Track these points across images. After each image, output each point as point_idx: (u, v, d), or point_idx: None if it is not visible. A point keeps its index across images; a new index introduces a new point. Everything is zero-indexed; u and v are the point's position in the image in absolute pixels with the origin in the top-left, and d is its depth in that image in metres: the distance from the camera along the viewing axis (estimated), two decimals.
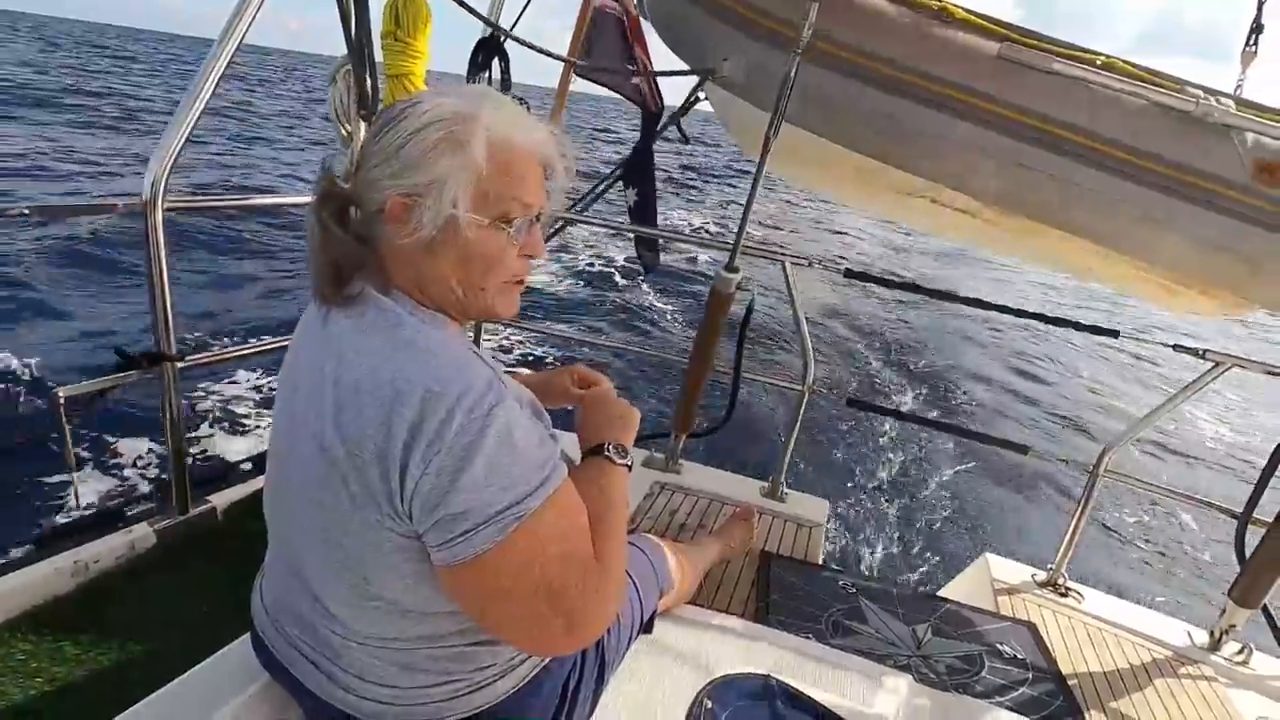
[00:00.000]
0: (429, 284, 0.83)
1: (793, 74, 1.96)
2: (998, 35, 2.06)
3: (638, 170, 3.05)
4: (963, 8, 2.11)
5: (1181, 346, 2.18)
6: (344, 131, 1.70)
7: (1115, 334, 2.37)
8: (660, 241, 3.51)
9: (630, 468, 0.96)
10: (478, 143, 0.78)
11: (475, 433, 0.71)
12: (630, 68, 2.85)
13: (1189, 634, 2.12)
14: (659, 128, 2.97)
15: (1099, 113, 1.99)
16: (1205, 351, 2.12)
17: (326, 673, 0.89)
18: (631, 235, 3.29)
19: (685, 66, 2.49)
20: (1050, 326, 2.40)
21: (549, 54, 2.36)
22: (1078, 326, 2.36)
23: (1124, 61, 2.02)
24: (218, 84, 1.64)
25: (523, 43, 2.11)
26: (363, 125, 1.71)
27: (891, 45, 2.12)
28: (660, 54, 2.92)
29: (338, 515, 0.77)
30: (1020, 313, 2.46)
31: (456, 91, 0.84)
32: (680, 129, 3.00)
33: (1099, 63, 2.01)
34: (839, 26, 2.12)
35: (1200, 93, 1.94)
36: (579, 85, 2.86)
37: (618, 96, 3.01)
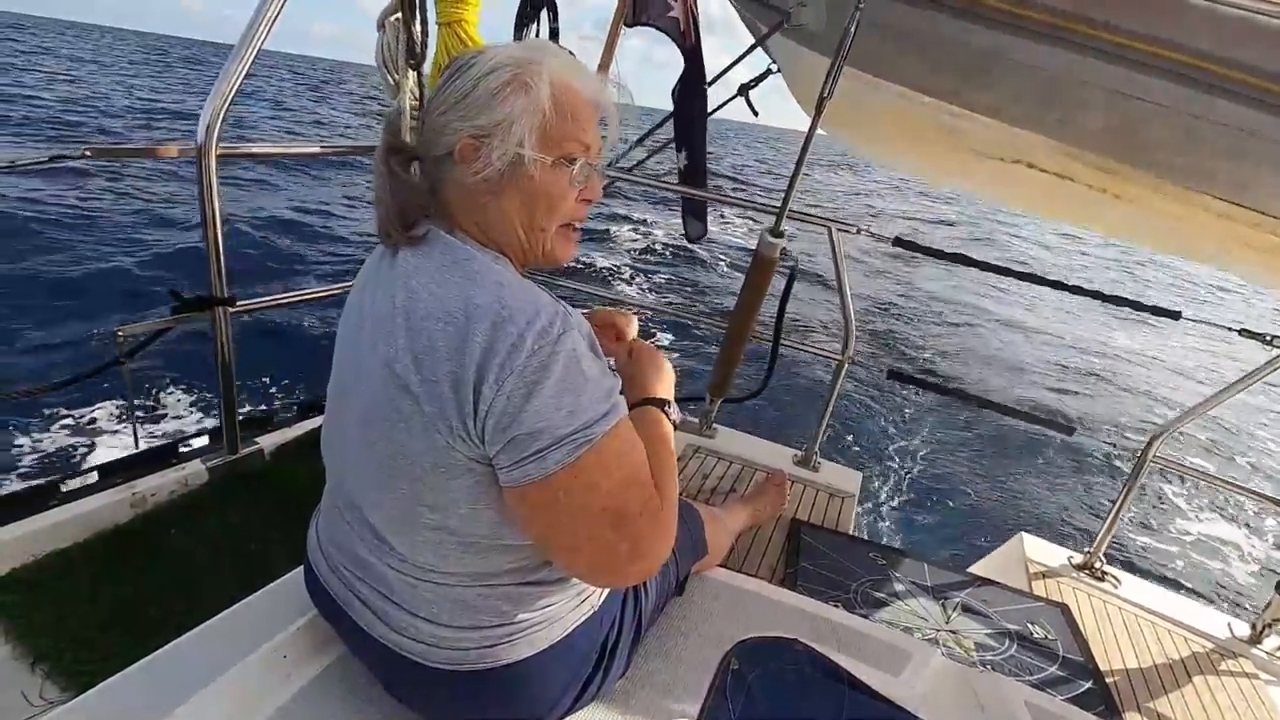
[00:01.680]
0: (492, 225, 0.86)
1: (856, 17, 1.76)
2: None
3: (687, 130, 2.94)
4: None
5: (1248, 331, 2.08)
6: (391, 80, 1.69)
7: (1177, 315, 2.26)
8: (708, 209, 3.43)
9: (676, 426, 0.98)
10: (543, 85, 0.82)
11: (546, 356, 0.74)
12: (672, 3, 2.72)
13: (1230, 626, 2.07)
14: (726, 100, 2.81)
15: (1228, 33, 1.69)
16: (1273, 338, 2.02)
17: (377, 611, 0.91)
18: (678, 202, 3.20)
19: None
20: (1107, 305, 2.28)
21: None
22: (1138, 306, 2.26)
23: None
24: (269, 32, 1.64)
25: None
26: (411, 74, 1.69)
27: None
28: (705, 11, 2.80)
29: (407, 441, 0.79)
30: (1078, 290, 2.36)
31: (516, 44, 0.88)
32: (749, 101, 2.86)
33: None
34: None
35: None
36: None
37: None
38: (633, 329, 1.15)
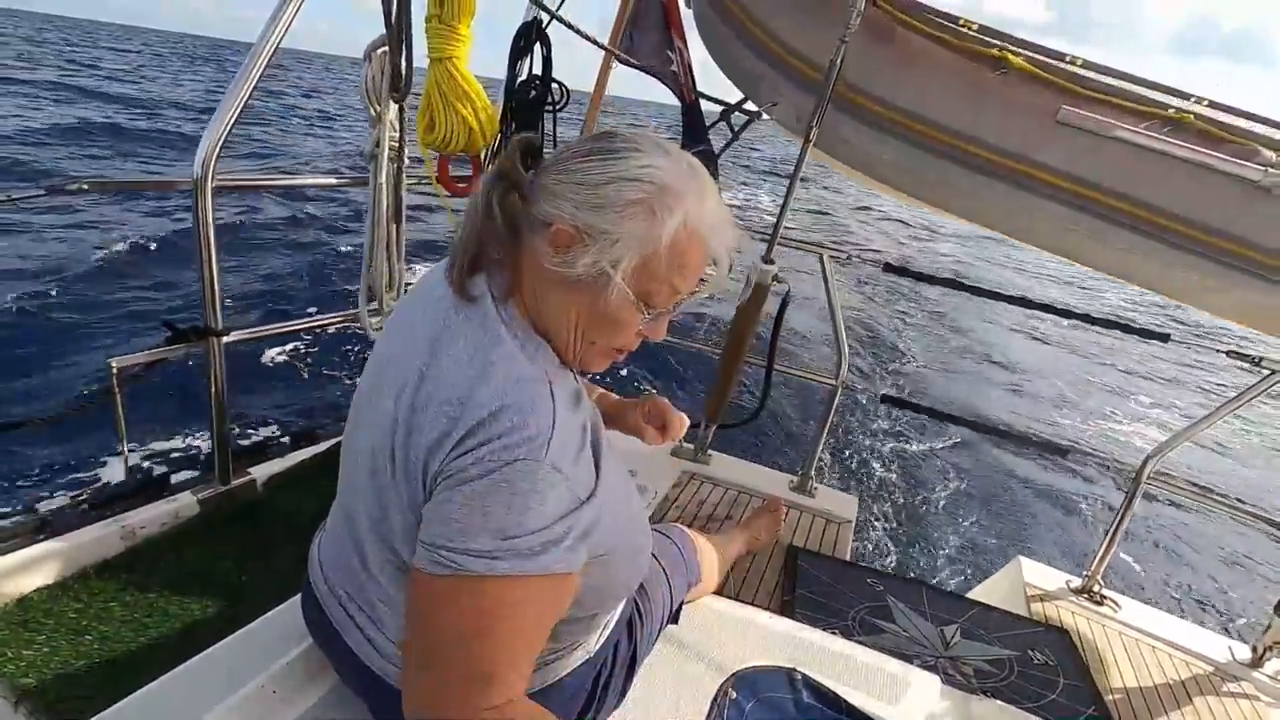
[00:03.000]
0: (548, 311, 0.82)
1: (822, 110, 1.94)
2: (1056, 88, 1.88)
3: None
4: (1023, 55, 1.91)
5: (1237, 353, 2.10)
6: (373, 111, 1.72)
7: (1166, 338, 2.29)
8: None
9: None
10: (671, 223, 0.77)
11: (485, 469, 0.71)
12: (670, 54, 2.81)
13: (1230, 649, 2.05)
14: (722, 149, 2.90)
15: (1163, 183, 1.84)
16: (1261, 360, 2.04)
17: (369, 637, 0.91)
18: None
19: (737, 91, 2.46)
20: (1097, 328, 2.31)
21: (592, 40, 2.34)
22: (1126, 329, 2.29)
23: (1196, 116, 1.82)
24: (266, 65, 1.66)
25: (569, 25, 2.10)
26: (392, 105, 1.72)
27: (941, 106, 1.99)
28: (702, 57, 2.87)
29: (388, 486, 0.80)
30: (1067, 313, 2.39)
31: (677, 157, 0.81)
32: (730, 125, 2.93)
33: (1170, 113, 1.82)
34: (886, 81, 2.02)
35: (1275, 157, 1.77)
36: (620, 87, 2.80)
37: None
38: (679, 429, 1.17)
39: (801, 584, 1.90)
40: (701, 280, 0.85)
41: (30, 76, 23.56)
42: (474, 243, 0.82)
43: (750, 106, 2.62)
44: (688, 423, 1.19)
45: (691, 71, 2.86)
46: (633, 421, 1.19)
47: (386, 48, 1.66)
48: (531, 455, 0.72)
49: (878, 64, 2.00)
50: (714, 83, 2.90)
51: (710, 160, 2.99)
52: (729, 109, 2.65)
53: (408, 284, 1.93)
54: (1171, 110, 1.81)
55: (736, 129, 2.71)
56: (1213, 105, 1.82)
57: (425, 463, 0.75)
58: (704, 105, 2.86)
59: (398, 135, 1.81)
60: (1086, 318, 2.38)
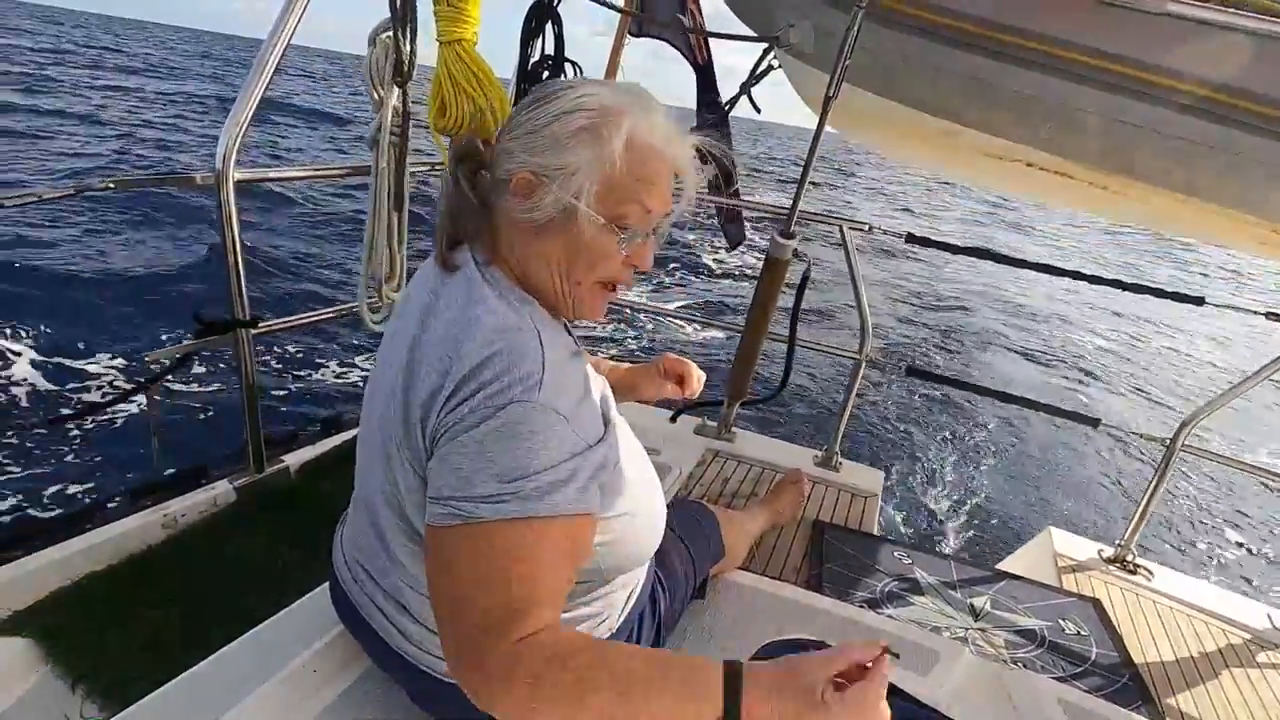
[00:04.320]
0: (531, 265, 0.85)
1: (855, 31, 1.83)
2: None
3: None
4: None
5: (1275, 314, 2.04)
6: (376, 96, 1.71)
7: (1200, 301, 2.22)
8: (743, 215, 3.44)
9: None
10: (618, 140, 0.78)
11: (479, 417, 0.72)
12: (682, 18, 2.77)
13: (1270, 616, 2.02)
14: (731, 100, 2.87)
15: (1219, 58, 1.73)
16: None
17: (395, 621, 0.93)
18: (713, 209, 3.24)
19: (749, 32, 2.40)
20: (1126, 293, 2.25)
21: (607, 4, 2.30)
22: (1159, 293, 2.22)
23: None
24: (282, 57, 1.67)
25: None
26: (395, 90, 1.72)
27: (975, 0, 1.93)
28: (711, 13, 2.84)
29: (398, 468, 0.82)
30: (1097, 279, 2.33)
31: (612, 86, 0.83)
32: (751, 99, 2.90)
33: None
34: None
35: None
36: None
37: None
38: (697, 385, 1.18)
39: (829, 558, 1.90)
40: (676, 196, 0.86)
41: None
42: (449, 220, 0.86)
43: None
44: (703, 376, 1.18)
45: (704, 29, 2.83)
46: (652, 382, 1.20)
47: (391, 31, 1.66)
48: (524, 396, 0.72)
49: None
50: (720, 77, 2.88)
51: (723, 121, 2.96)
52: (760, 43, 2.54)
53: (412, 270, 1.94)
54: None
55: (755, 66, 2.67)
56: None
57: (423, 421, 0.77)
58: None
59: (401, 121, 1.81)
60: (1117, 283, 2.32)
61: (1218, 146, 1.82)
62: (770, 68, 2.67)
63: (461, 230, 0.87)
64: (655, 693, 0.64)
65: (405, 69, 1.66)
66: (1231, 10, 1.71)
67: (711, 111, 2.94)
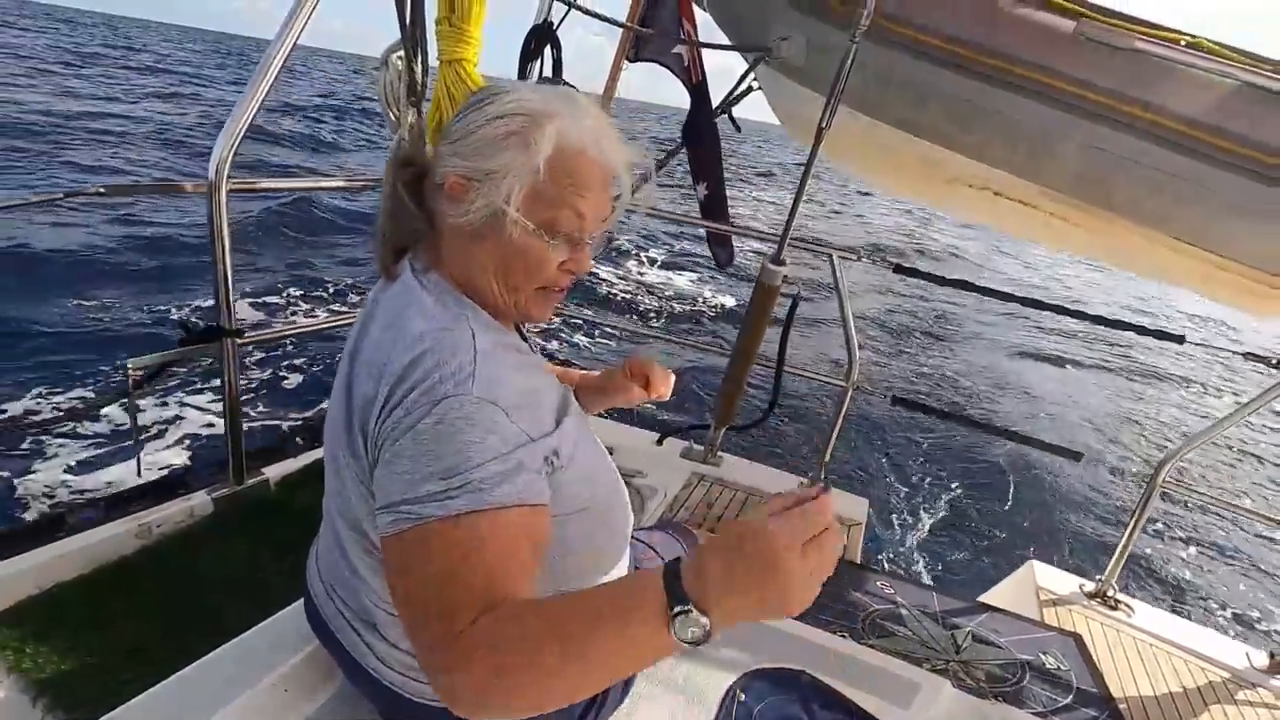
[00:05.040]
0: (472, 272, 0.85)
1: (852, 54, 1.88)
2: (1074, 13, 1.96)
3: (705, 163, 3.02)
4: None
5: (1254, 355, 2.07)
6: (393, 117, 1.73)
7: (1180, 339, 2.26)
8: (732, 237, 3.47)
9: (686, 643, 0.61)
10: (545, 145, 0.78)
11: (416, 416, 0.71)
12: (679, 38, 2.82)
13: (1247, 655, 2.03)
14: (714, 113, 2.93)
15: (1185, 94, 1.87)
16: (1279, 361, 2.01)
17: (366, 640, 0.91)
18: (703, 231, 3.29)
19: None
20: (1110, 330, 2.29)
21: (609, 20, 2.33)
22: (1141, 330, 2.26)
23: (1210, 41, 1.90)
24: (279, 71, 1.68)
25: (586, 11, 2.08)
26: (411, 111, 1.73)
27: (964, 24, 2.04)
28: (703, 22, 2.90)
29: (350, 482, 0.82)
30: (1080, 314, 2.37)
31: (545, 91, 0.84)
32: (732, 119, 2.97)
33: (1184, 43, 1.89)
34: (906, 4, 2.05)
35: None
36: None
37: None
38: (665, 385, 1.15)
39: None
40: (614, 200, 0.86)
41: None
42: (390, 228, 0.86)
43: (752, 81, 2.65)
44: (672, 377, 1.17)
45: (698, 52, 2.88)
46: (619, 386, 1.18)
47: (402, 52, 1.67)
48: (457, 390, 0.71)
49: None
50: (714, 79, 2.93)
51: (714, 141, 3.01)
52: (749, 53, 2.63)
53: None
54: (1185, 39, 1.89)
55: (735, 86, 2.74)
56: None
57: (363, 431, 0.77)
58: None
59: (420, 139, 1.82)
60: (1100, 319, 2.36)
61: (1186, 179, 1.92)
62: (750, 89, 2.73)
63: (404, 240, 0.88)
64: (592, 619, 0.63)
65: (419, 89, 1.67)
66: (1188, 51, 1.87)
67: (707, 129, 2.98)
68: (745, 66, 2.74)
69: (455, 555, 0.68)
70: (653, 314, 9.35)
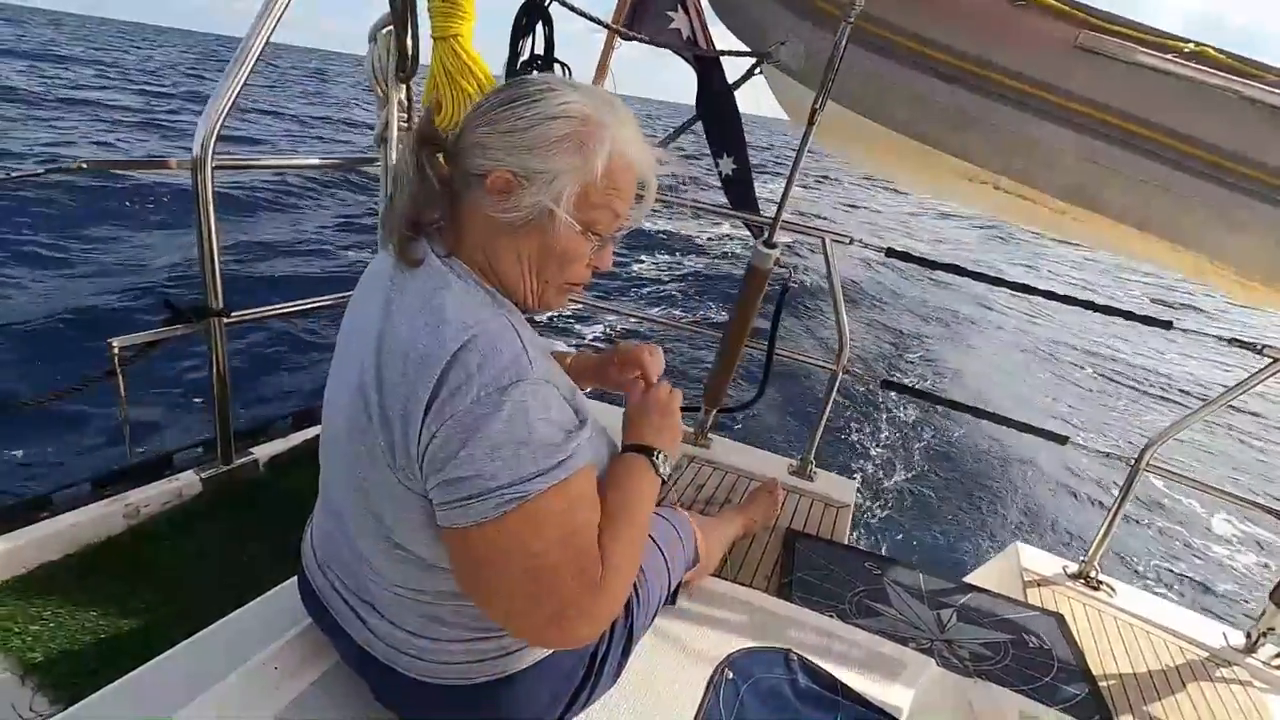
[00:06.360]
0: (499, 259, 0.84)
1: (841, 47, 1.87)
2: (1075, 20, 1.91)
3: (727, 135, 2.92)
4: None
5: (1238, 340, 2.09)
6: (380, 92, 1.70)
7: (1168, 325, 2.27)
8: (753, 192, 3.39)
9: (665, 482, 0.95)
10: (601, 152, 0.81)
11: (490, 405, 0.72)
12: (671, 15, 2.72)
13: (1225, 635, 2.07)
14: (730, 84, 2.85)
15: (1184, 109, 1.85)
16: (1264, 347, 2.03)
17: (364, 619, 0.92)
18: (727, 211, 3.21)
19: (741, 47, 2.44)
20: (1098, 315, 2.31)
21: (594, 19, 2.31)
22: (1128, 316, 2.28)
23: (1215, 49, 1.85)
24: (263, 49, 1.65)
25: (571, 7, 2.06)
26: (400, 86, 1.71)
27: (957, 32, 2.01)
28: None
29: (368, 465, 0.80)
30: (1068, 299, 2.38)
31: (589, 92, 0.85)
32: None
33: (1187, 50, 1.85)
34: (902, 10, 2.03)
35: None
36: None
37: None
38: (656, 370, 1.14)
39: (799, 567, 1.91)
40: (637, 200, 0.89)
41: None
42: (410, 208, 0.84)
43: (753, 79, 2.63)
44: (662, 364, 1.17)
45: (702, 19, 2.77)
46: (612, 377, 1.18)
47: (392, 28, 1.65)
48: (522, 375, 0.75)
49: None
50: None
51: (734, 115, 2.92)
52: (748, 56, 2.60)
53: None
54: (1188, 47, 1.83)
55: (743, 75, 2.69)
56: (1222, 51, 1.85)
57: (405, 424, 0.75)
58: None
59: (407, 116, 1.80)
60: (1089, 305, 2.37)
61: (1171, 189, 1.93)
62: (754, 72, 2.70)
63: (422, 222, 0.85)
64: (636, 499, 0.89)
65: (409, 65, 1.65)
66: (1189, 64, 1.82)
67: (725, 99, 2.87)
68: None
69: (566, 519, 0.77)
70: (642, 297, 9.34)
